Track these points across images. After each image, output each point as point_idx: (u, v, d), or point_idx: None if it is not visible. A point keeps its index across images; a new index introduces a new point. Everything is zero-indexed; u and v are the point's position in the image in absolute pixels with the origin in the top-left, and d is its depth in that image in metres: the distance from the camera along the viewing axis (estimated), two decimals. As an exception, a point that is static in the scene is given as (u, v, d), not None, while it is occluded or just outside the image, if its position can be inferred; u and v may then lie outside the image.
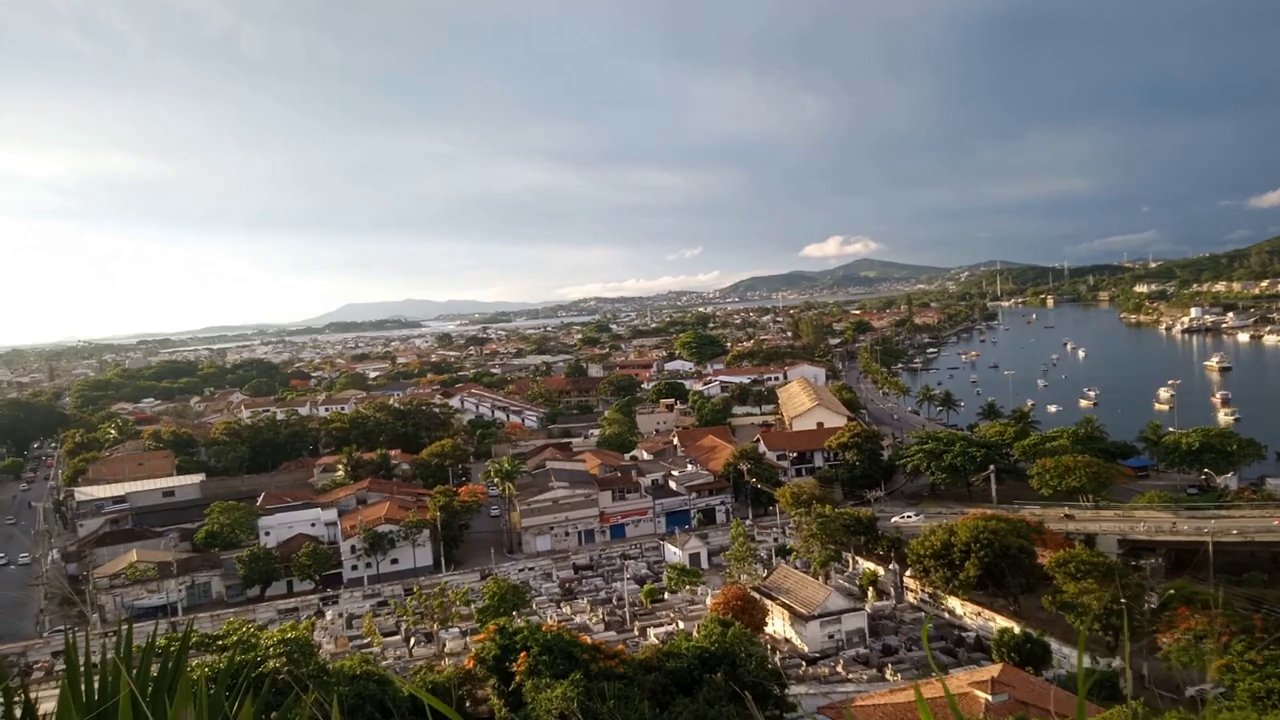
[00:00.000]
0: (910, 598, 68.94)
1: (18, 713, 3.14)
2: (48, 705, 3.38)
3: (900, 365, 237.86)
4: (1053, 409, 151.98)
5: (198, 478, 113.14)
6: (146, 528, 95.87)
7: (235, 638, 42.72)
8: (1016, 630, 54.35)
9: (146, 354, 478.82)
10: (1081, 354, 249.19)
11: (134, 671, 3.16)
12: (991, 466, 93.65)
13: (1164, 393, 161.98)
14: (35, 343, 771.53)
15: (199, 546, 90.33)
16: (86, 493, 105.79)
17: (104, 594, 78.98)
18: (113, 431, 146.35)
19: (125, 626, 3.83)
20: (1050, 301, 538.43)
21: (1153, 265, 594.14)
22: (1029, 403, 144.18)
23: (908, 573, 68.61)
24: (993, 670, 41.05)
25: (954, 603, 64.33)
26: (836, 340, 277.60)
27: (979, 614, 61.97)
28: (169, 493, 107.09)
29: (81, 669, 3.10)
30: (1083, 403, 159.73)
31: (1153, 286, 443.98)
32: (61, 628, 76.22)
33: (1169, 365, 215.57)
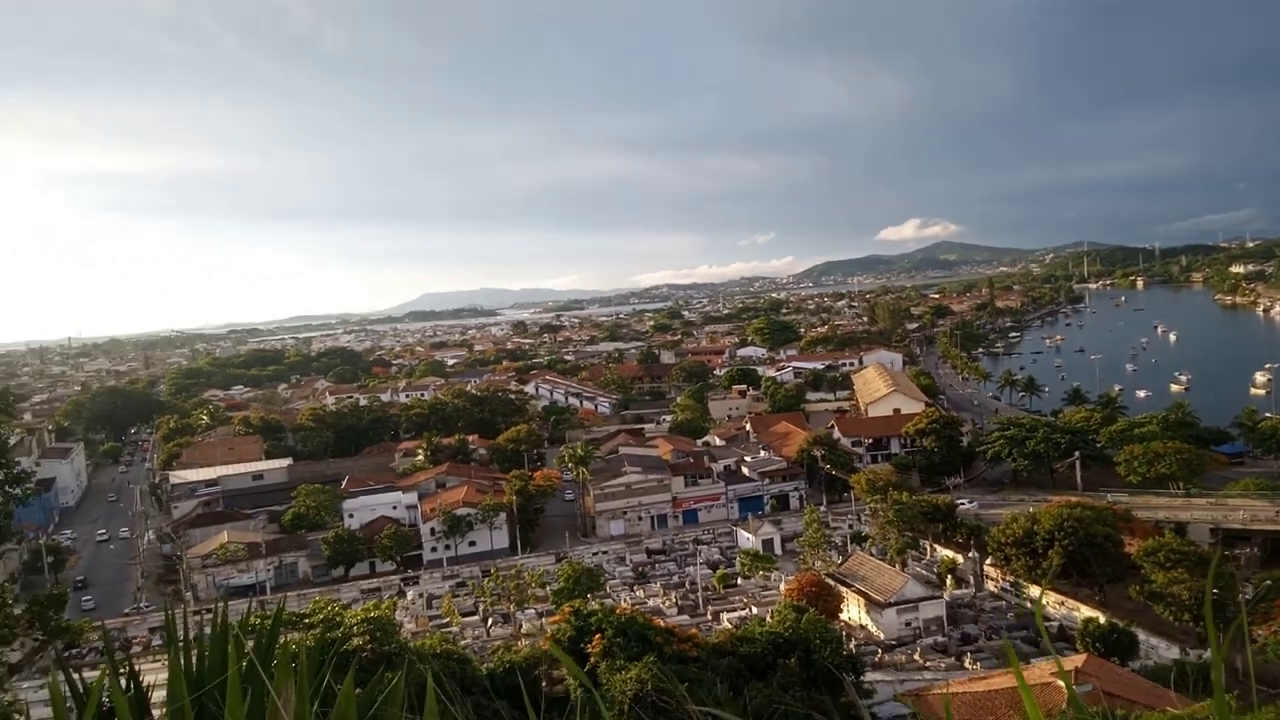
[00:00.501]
0: (990, 586, 67.55)
1: (123, 684, 3.33)
2: (147, 679, 3.58)
3: (981, 350, 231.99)
4: (1141, 394, 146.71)
5: (285, 462, 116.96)
6: (237, 510, 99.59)
7: (321, 616, 44.22)
8: (1102, 620, 52.87)
9: (236, 343, 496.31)
10: (1173, 337, 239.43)
11: (232, 647, 3.37)
12: (1076, 453, 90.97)
13: (1260, 377, 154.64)
14: (132, 333, 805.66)
15: (286, 528, 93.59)
16: (180, 476, 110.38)
17: (197, 573, 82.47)
18: (205, 417, 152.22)
19: (222, 603, 4.03)
20: (1140, 283, 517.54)
21: (1250, 244, 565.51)
22: (1116, 388, 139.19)
23: (988, 561, 67.22)
24: (1076, 660, 40.03)
25: (1036, 591, 62.79)
26: (914, 325, 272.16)
27: (1062, 603, 60.38)
28: (258, 476, 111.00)
29: (182, 643, 3.26)
30: (1174, 387, 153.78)
31: (1249, 267, 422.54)
32: (144, 605, 79.94)
33: (1266, 348, 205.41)
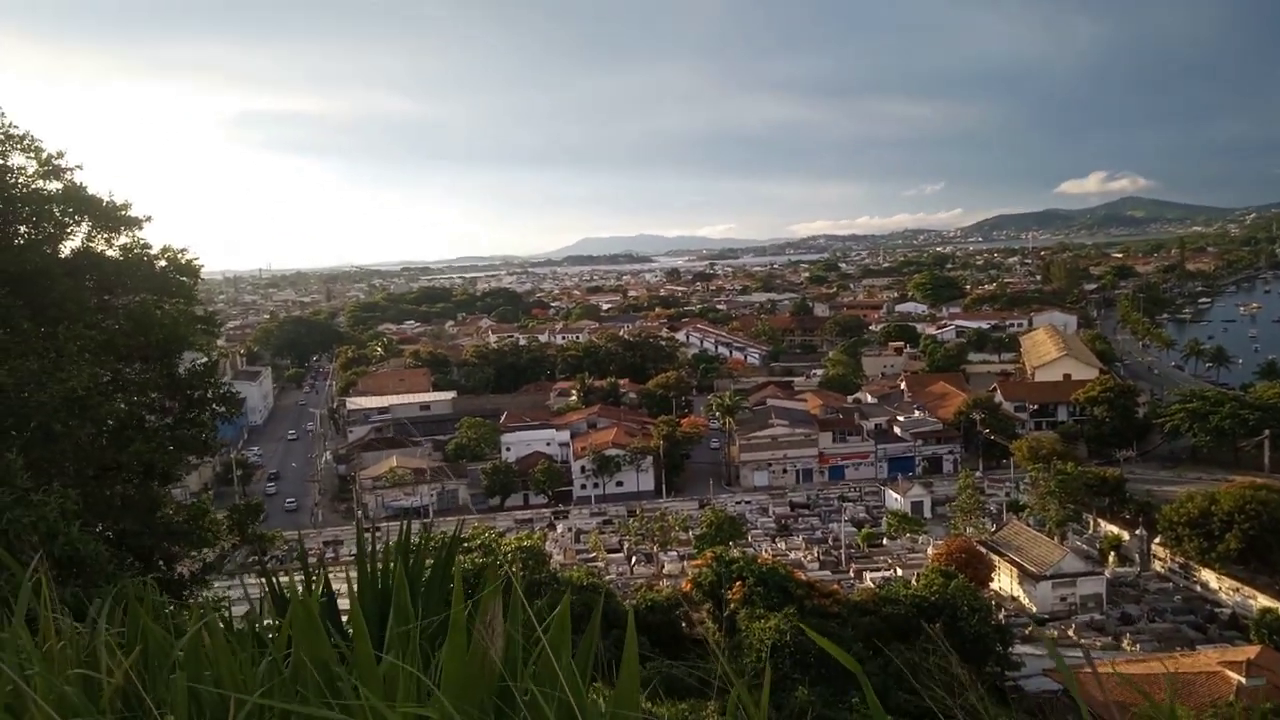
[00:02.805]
0: (1158, 566, 63.78)
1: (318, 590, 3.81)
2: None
3: (1166, 315, 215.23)
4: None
5: (450, 395, 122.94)
6: (405, 437, 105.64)
7: (479, 541, 46.90)
8: (1282, 613, 49.10)
9: (408, 280, 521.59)
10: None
11: (411, 562, 3.82)
12: (1266, 431, 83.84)
13: None
14: (316, 266, 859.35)
15: (449, 457, 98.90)
16: (356, 403, 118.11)
17: (368, 494, 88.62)
18: (379, 349, 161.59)
19: (404, 523, 4.46)
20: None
21: None
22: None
23: (1156, 539, 63.41)
24: (1249, 651, 37.53)
25: (1208, 575, 58.84)
26: (1092, 286, 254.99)
27: (1237, 590, 56.32)
28: (425, 407, 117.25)
29: (368, 557, 3.67)
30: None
31: None
32: (319, 519, 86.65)
33: None
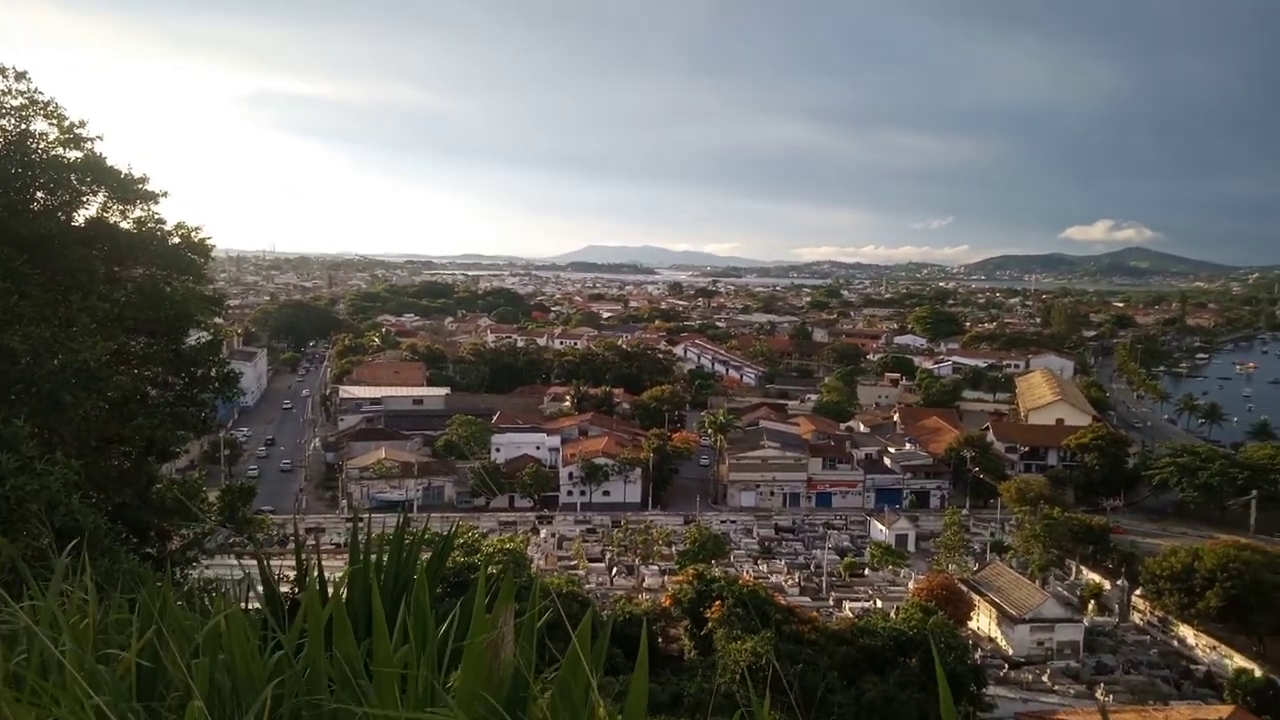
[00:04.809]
0: (1136, 618, 63.80)
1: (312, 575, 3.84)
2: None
3: (1163, 368, 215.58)
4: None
5: (443, 390, 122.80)
6: (395, 430, 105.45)
7: (462, 540, 46.79)
8: (1258, 673, 49.13)
9: (411, 273, 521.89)
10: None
11: (403, 555, 3.85)
12: (1254, 492, 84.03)
13: None
14: (320, 252, 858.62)
15: (438, 453, 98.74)
16: (349, 391, 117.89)
17: (354, 483, 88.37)
18: (376, 339, 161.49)
19: (401, 516, 4.47)
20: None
21: None
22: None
23: (1137, 591, 63.46)
24: (1223, 710, 37.60)
25: (1186, 631, 58.89)
26: (1092, 333, 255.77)
27: (1214, 648, 56.37)
28: (418, 401, 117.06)
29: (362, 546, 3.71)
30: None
31: None
32: (304, 505, 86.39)
33: None
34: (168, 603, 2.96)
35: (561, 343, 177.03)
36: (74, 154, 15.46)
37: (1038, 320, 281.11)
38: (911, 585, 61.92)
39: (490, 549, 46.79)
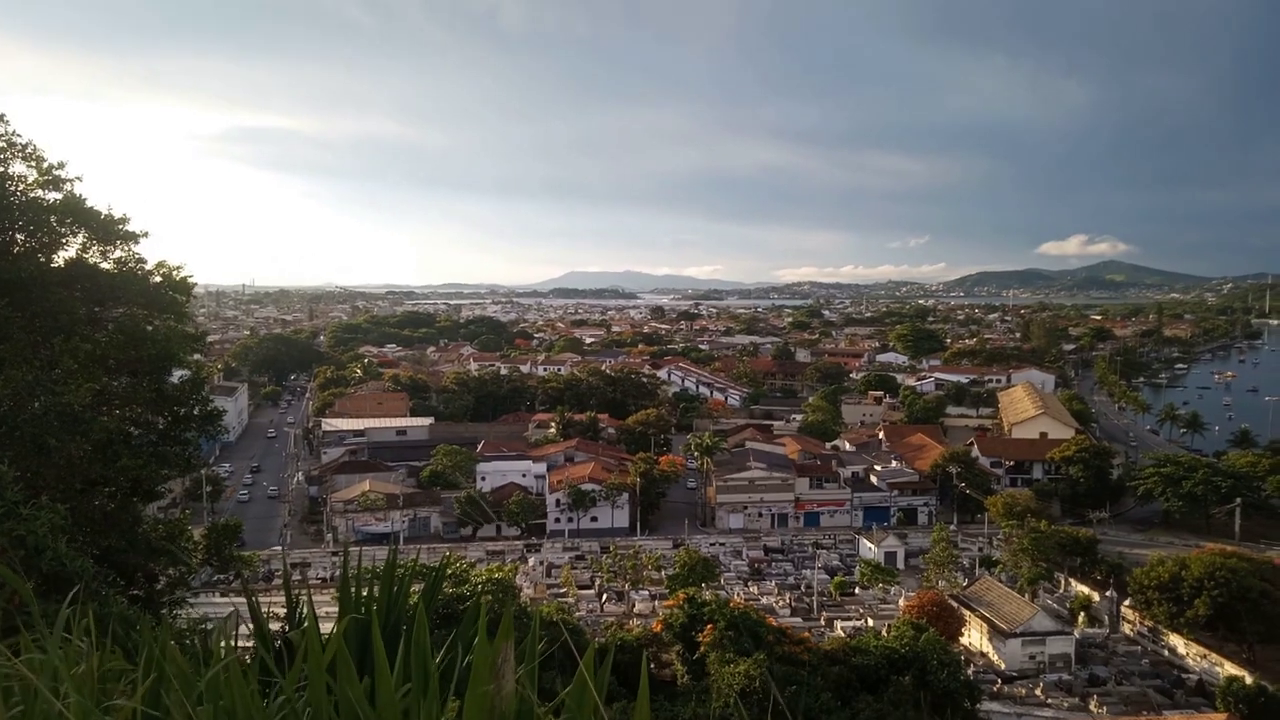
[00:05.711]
0: (1126, 629, 63.97)
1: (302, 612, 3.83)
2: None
3: (1142, 380, 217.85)
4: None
5: (427, 421, 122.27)
6: (379, 461, 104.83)
7: (451, 571, 46.38)
8: (1248, 680, 49.26)
9: (392, 303, 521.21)
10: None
11: (395, 589, 3.85)
12: (1238, 500, 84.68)
13: None
14: (300, 285, 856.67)
15: (423, 484, 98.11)
16: (332, 424, 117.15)
17: (338, 516, 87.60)
18: (358, 371, 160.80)
19: (391, 549, 4.47)
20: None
21: None
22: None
23: (1126, 602, 63.66)
24: (1216, 718, 37.64)
25: (1176, 640, 59.07)
26: (1071, 346, 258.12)
27: (1204, 656, 56.55)
28: (402, 432, 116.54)
29: (353, 582, 3.70)
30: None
31: None
32: (288, 540, 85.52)
33: None
34: (167, 649, 2.95)
35: (545, 369, 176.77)
36: (53, 195, 15.44)
37: (1017, 335, 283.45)
38: (902, 603, 61.88)
39: (479, 579, 46.41)
